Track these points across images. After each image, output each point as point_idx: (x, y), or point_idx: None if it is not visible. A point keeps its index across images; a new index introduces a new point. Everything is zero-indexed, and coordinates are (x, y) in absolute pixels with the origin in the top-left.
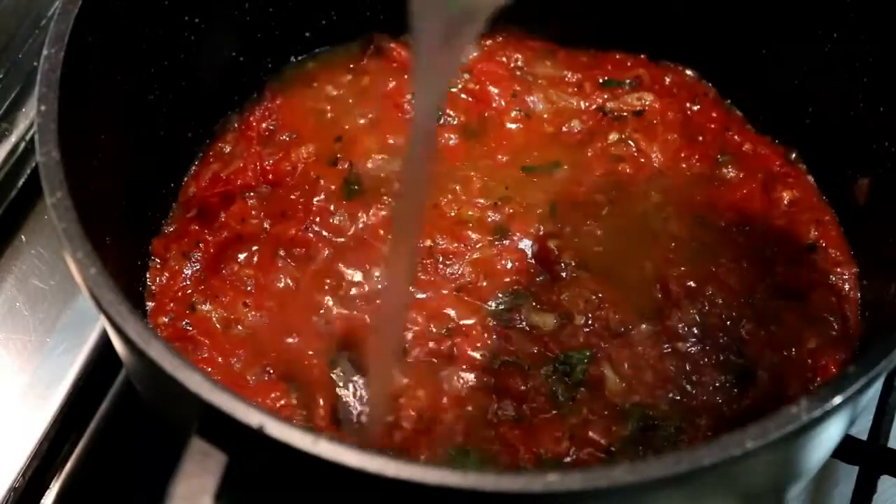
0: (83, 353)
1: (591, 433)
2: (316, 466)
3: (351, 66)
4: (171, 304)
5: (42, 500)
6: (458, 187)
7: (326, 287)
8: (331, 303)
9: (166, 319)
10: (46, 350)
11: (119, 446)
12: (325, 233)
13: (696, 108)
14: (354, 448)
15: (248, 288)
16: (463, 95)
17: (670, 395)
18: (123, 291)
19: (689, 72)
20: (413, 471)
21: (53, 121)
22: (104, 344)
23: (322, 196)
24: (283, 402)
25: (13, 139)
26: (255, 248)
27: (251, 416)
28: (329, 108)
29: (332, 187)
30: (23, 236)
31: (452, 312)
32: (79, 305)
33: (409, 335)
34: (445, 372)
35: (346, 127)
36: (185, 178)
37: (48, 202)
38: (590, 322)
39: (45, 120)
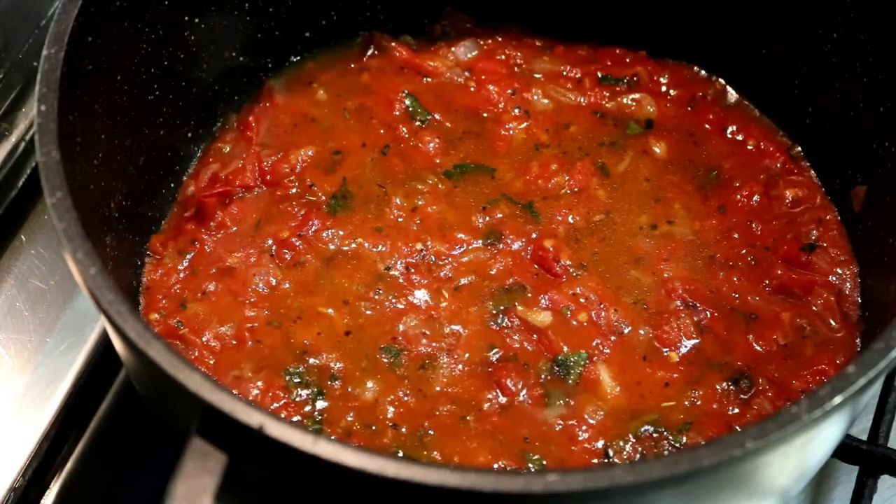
0: (83, 353)
1: (587, 434)
2: (316, 466)
3: (351, 65)
4: (164, 301)
5: (42, 500)
6: (450, 189)
7: (319, 291)
8: (321, 307)
9: (157, 316)
10: (46, 350)
11: (119, 446)
12: (316, 241)
13: (694, 107)
14: (354, 448)
15: (234, 286)
16: (462, 95)
17: (668, 398)
18: (122, 290)
19: (688, 69)
20: (413, 471)
21: (53, 121)
22: (104, 344)
23: (315, 203)
24: (281, 402)
25: (13, 139)
26: (250, 249)
27: (251, 416)
28: (328, 109)
29: (324, 197)
30: (23, 236)
31: (449, 313)
32: (79, 305)
33: (406, 334)
34: (442, 371)
35: (344, 130)
36: (185, 178)
37: (48, 202)
38: (588, 322)
39: (45, 120)
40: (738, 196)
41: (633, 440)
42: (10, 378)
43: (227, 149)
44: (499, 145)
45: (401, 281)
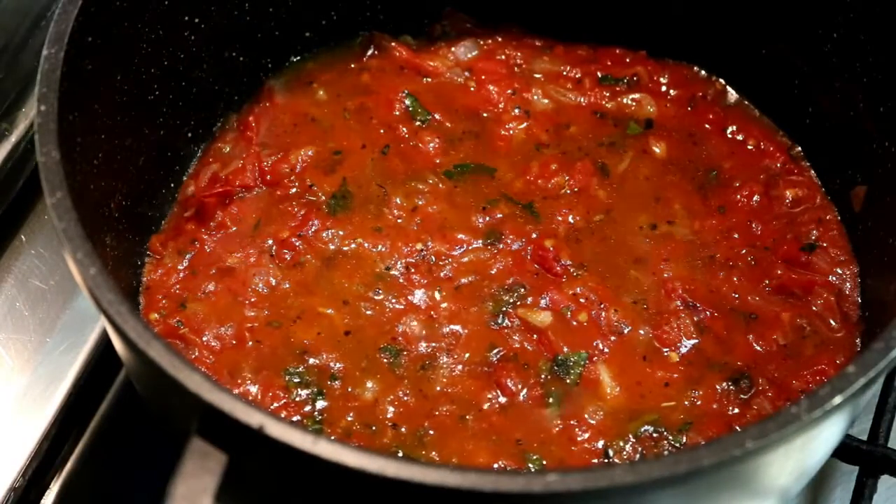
0: (83, 353)
1: (587, 434)
2: (316, 466)
3: (351, 65)
4: (164, 301)
5: (42, 500)
6: (450, 189)
7: (319, 291)
8: (321, 307)
9: (157, 316)
10: (46, 350)
11: (119, 446)
12: (316, 241)
13: (694, 107)
14: (354, 448)
15: (234, 286)
16: (462, 95)
17: (668, 398)
18: (122, 290)
19: (688, 69)
20: (413, 471)
21: (53, 121)
22: (104, 344)
23: (315, 204)
24: (281, 402)
25: (13, 139)
26: (250, 249)
27: (251, 416)
28: (328, 109)
29: (324, 197)
30: (23, 236)
31: (449, 313)
32: (79, 305)
33: (406, 334)
34: (442, 371)
35: (344, 130)
36: (185, 178)
37: (48, 202)
38: (588, 322)
39: (45, 120)
40: (738, 196)
41: (633, 440)
42: (10, 378)
43: (227, 149)
44: (499, 145)
45: (401, 281)
